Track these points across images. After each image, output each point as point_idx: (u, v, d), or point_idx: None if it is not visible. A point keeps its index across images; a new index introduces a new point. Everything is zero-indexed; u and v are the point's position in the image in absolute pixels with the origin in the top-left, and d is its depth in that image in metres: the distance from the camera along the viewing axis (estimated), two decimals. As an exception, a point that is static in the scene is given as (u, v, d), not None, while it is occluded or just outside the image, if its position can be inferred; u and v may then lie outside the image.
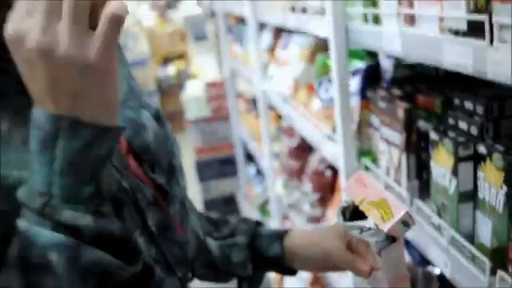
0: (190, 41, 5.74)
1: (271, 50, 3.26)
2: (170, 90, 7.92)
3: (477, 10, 0.91)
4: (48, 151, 0.61)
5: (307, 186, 2.64)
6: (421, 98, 1.45)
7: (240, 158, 4.62)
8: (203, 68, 5.22)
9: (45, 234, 0.61)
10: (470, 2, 0.92)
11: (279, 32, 3.15)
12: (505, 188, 1.01)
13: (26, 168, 0.65)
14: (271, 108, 3.23)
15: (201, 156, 4.67)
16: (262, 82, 3.15)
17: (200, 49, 5.53)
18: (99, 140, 0.62)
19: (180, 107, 5.85)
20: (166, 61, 8.34)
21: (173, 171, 0.88)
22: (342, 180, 1.88)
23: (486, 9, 0.88)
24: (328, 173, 2.54)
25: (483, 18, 0.88)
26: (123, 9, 0.59)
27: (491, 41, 0.87)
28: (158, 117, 0.90)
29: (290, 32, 2.83)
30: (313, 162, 2.69)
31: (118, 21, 0.59)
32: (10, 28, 0.58)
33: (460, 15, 0.95)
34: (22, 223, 0.62)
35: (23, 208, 0.63)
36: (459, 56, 0.96)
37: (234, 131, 4.59)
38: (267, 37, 3.38)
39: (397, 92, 1.53)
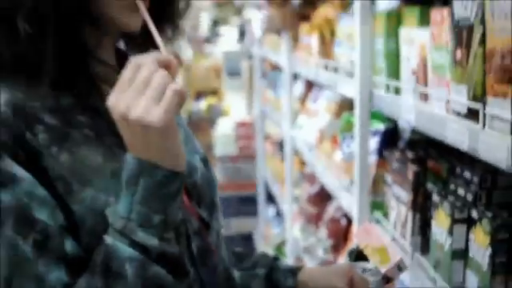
0: (223, 75, 5.92)
1: (302, 99, 3.46)
2: (199, 124, 8.04)
3: (475, 98, 1.08)
4: (132, 185, 0.81)
5: (323, 231, 2.77)
6: (430, 162, 1.62)
7: (261, 198, 4.76)
8: (234, 104, 5.40)
9: (124, 249, 0.80)
10: (470, 91, 1.10)
11: (311, 84, 3.35)
12: (490, 250, 1.18)
13: (112, 195, 0.84)
14: (296, 154, 3.39)
15: (223, 192, 4.79)
16: (290, 128, 3.33)
17: (232, 84, 5.71)
18: (169, 181, 0.82)
19: (208, 142, 6.01)
20: (199, 95, 8.47)
21: (214, 207, 1.06)
22: (354, 229, 2.04)
23: (482, 98, 1.06)
24: (343, 221, 2.67)
25: (478, 106, 1.06)
26: (185, 91, 0.79)
27: (484, 126, 1.05)
28: (205, 160, 1.09)
29: (320, 86, 3.02)
30: (330, 210, 2.82)
31: (179, 96, 0.79)
32: (111, 97, 0.80)
33: (461, 101, 1.13)
34: (108, 238, 0.81)
35: (110, 226, 0.82)
36: (458, 134, 1.14)
37: (258, 171, 4.74)
38: (299, 86, 3.58)
39: (410, 155, 1.70)
